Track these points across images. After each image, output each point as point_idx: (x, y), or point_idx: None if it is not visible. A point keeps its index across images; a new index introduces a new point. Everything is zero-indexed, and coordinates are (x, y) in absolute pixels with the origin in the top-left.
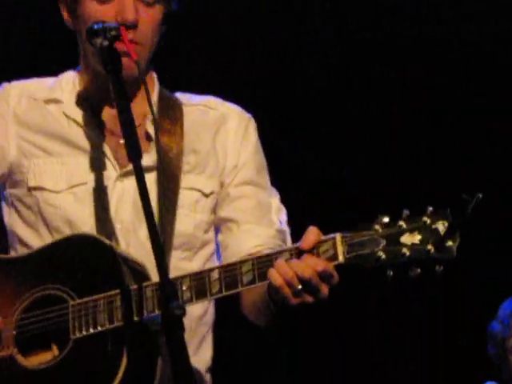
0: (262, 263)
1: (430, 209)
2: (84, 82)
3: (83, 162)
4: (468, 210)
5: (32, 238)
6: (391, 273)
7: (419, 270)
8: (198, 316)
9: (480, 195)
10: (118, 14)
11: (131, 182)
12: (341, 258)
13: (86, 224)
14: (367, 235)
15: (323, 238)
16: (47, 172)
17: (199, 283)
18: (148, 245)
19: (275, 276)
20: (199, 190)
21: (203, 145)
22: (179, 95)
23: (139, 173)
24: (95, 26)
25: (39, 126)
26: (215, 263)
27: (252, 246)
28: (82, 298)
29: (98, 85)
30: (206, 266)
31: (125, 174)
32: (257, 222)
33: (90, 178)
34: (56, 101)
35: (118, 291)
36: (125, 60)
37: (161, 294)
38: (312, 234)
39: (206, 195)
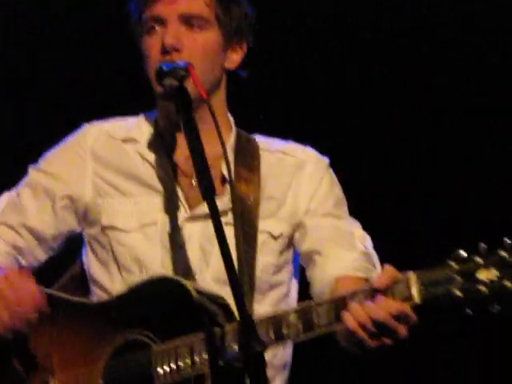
0: (338, 305)
1: (508, 242)
2: (160, 122)
3: (155, 202)
4: None
5: (103, 276)
6: (470, 311)
7: (499, 307)
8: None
9: None
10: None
11: (200, 225)
12: (416, 299)
13: (155, 264)
14: (442, 273)
15: (398, 277)
16: (120, 211)
17: (276, 326)
18: (214, 286)
19: (350, 319)
20: (268, 232)
21: (279, 191)
22: (258, 138)
23: (213, 209)
24: (164, 67)
25: (115, 164)
26: (288, 305)
27: (338, 270)
28: (165, 341)
29: (170, 124)
30: (277, 308)
31: (194, 217)
32: (339, 248)
33: (161, 218)
34: (133, 140)
35: (199, 334)
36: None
37: (241, 332)
38: (387, 274)
39: (275, 237)
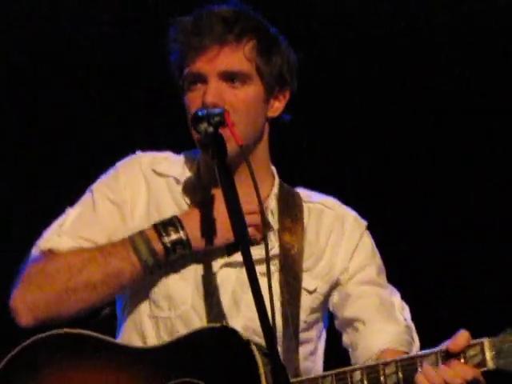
0: (406, 365)
1: None
2: (201, 164)
3: None
4: None
5: (132, 307)
6: None
7: None
8: None
9: None
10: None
11: (235, 271)
12: (490, 365)
13: (185, 304)
14: None
15: (471, 342)
16: None
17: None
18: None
19: (423, 382)
20: (304, 288)
21: (318, 244)
22: (300, 191)
23: (247, 258)
24: (199, 113)
25: (157, 200)
26: (315, 363)
27: (382, 343)
28: None
29: (207, 169)
30: (303, 365)
31: (230, 263)
32: (383, 320)
33: (199, 260)
34: (176, 180)
35: None
36: (228, 144)
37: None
38: (462, 338)
39: (310, 292)
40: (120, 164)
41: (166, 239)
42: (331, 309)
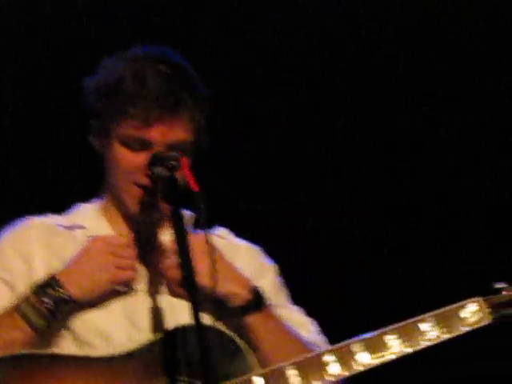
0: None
1: None
2: (110, 210)
3: None
4: None
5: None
6: None
7: None
8: None
9: None
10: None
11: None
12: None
13: (119, 337)
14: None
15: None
16: None
17: None
18: None
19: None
20: None
21: None
22: None
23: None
24: (157, 155)
25: (63, 250)
26: None
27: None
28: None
29: (125, 211)
30: None
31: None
32: None
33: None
34: (80, 226)
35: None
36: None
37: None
38: None
39: None
40: (2, 238)
41: (47, 300)
42: None
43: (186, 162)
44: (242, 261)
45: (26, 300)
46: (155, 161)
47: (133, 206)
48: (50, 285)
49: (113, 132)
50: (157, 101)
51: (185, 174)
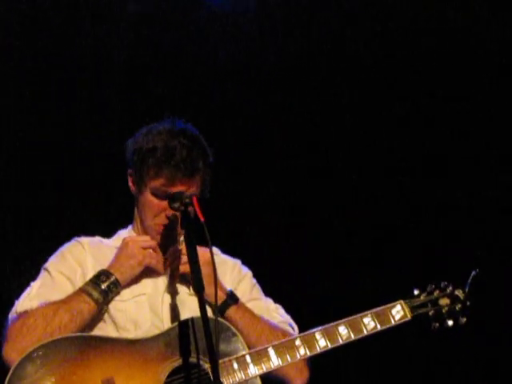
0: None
1: (446, 283)
2: (140, 232)
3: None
4: (468, 285)
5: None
6: (436, 325)
7: (451, 322)
8: None
9: (476, 271)
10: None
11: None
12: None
13: (146, 325)
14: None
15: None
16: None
17: None
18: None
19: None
20: None
21: None
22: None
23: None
24: (175, 194)
25: (107, 260)
26: None
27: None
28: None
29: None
30: None
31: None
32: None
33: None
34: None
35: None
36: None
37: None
38: None
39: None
40: (64, 249)
41: (102, 285)
42: None
43: (195, 200)
44: (229, 271)
45: (88, 283)
46: (174, 198)
47: (155, 236)
48: (102, 273)
49: (147, 184)
50: (180, 168)
51: (195, 209)
